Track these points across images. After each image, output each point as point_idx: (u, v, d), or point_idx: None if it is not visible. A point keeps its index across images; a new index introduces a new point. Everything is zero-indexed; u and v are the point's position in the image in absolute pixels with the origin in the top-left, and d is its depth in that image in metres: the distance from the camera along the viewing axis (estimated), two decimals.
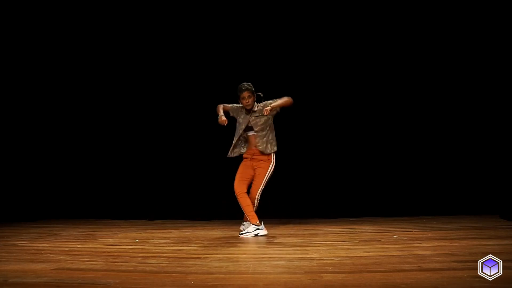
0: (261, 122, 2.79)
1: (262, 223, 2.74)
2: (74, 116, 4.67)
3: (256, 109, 2.83)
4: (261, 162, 2.81)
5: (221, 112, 2.85)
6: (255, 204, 2.82)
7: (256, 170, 2.82)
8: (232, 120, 2.90)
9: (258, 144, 2.78)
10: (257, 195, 2.81)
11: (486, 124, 4.10)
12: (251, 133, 2.83)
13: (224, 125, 2.76)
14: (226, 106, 2.96)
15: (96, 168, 4.57)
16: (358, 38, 4.31)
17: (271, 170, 2.82)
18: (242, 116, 2.87)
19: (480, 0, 4.08)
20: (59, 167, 4.64)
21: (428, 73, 4.25)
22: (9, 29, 4.38)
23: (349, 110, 4.28)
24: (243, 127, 2.81)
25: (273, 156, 2.83)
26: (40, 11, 4.47)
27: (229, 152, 2.89)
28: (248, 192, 2.81)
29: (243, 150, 2.88)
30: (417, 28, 4.23)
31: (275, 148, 2.84)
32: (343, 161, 4.22)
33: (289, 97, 2.80)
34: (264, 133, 2.80)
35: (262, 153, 2.79)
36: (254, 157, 2.82)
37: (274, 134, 2.87)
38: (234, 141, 2.86)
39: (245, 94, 2.76)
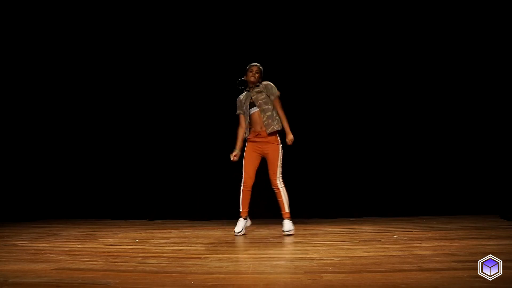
0: (262, 97, 2.82)
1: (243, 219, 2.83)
2: (74, 116, 4.68)
3: (258, 85, 2.88)
4: (270, 145, 2.78)
5: (237, 149, 2.90)
6: (282, 191, 2.75)
7: (267, 155, 2.79)
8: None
9: (264, 119, 2.78)
10: (278, 181, 2.75)
11: (486, 124, 4.10)
12: (254, 110, 2.82)
13: (232, 159, 2.87)
14: (240, 134, 2.94)
15: (96, 168, 4.57)
16: (360, 39, 4.31)
17: (282, 152, 2.80)
18: (244, 97, 2.92)
19: (480, 0, 4.08)
20: (59, 167, 4.64)
21: (428, 73, 4.25)
22: (9, 29, 4.39)
23: (349, 110, 4.28)
24: (247, 103, 2.85)
25: (278, 138, 2.83)
26: (40, 11, 4.47)
27: (246, 132, 2.89)
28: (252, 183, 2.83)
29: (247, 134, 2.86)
30: (417, 28, 4.23)
31: (281, 125, 2.81)
32: (343, 161, 4.22)
33: (282, 109, 2.87)
34: (267, 107, 2.80)
35: (269, 132, 2.76)
36: (260, 139, 2.79)
37: (277, 114, 2.84)
38: (247, 123, 2.87)
39: (254, 68, 2.86)
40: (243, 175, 2.82)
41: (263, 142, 2.79)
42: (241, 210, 2.83)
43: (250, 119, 2.85)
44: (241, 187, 2.83)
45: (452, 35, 4.20)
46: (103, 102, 4.62)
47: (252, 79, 2.84)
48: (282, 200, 2.77)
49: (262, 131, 2.79)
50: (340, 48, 4.32)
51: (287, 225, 2.72)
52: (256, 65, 2.89)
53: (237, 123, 2.99)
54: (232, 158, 2.88)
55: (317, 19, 4.33)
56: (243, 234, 2.77)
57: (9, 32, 4.39)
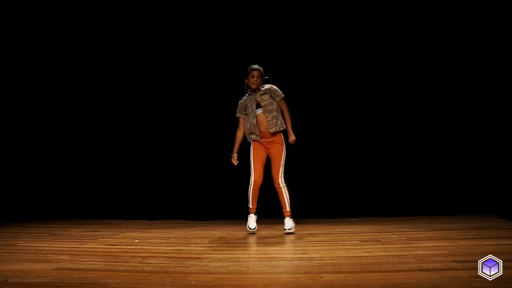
0: (266, 98, 2.86)
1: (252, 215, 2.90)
2: (74, 116, 4.68)
3: (262, 88, 2.90)
4: (275, 144, 2.83)
5: (235, 151, 2.98)
6: (284, 190, 2.80)
7: (271, 154, 2.83)
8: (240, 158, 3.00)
9: (268, 119, 2.81)
10: (280, 180, 2.79)
11: (486, 124, 4.10)
12: (259, 111, 2.85)
13: (234, 163, 2.97)
14: (239, 137, 3.01)
15: (96, 168, 4.57)
16: (360, 39, 4.31)
17: (285, 152, 2.85)
18: (248, 100, 2.92)
19: (480, 0, 4.08)
20: (59, 167, 4.64)
21: (428, 73, 4.25)
22: (9, 29, 4.38)
23: (349, 110, 4.28)
24: (254, 106, 2.86)
25: (283, 137, 2.88)
26: (40, 11, 4.47)
27: (247, 137, 2.95)
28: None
29: (257, 135, 2.87)
30: (417, 28, 4.23)
31: (284, 126, 2.87)
32: (343, 161, 4.22)
33: (287, 110, 2.92)
34: (271, 107, 2.84)
35: (272, 131, 2.81)
36: (266, 139, 2.84)
37: (281, 115, 2.90)
38: (248, 126, 2.89)
39: (255, 73, 2.85)
40: (252, 174, 2.85)
41: (268, 142, 2.85)
42: (251, 207, 2.89)
43: (256, 120, 2.86)
44: (251, 186, 2.86)
45: (452, 35, 4.20)
46: (103, 102, 4.62)
47: (254, 86, 2.86)
48: (283, 199, 2.82)
49: (266, 131, 2.84)
50: (341, 48, 4.32)
51: (289, 223, 2.78)
52: (257, 69, 2.87)
53: (236, 124, 3.02)
54: (235, 163, 2.95)
55: (318, 20, 4.32)
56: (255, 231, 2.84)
57: (9, 32, 4.39)
